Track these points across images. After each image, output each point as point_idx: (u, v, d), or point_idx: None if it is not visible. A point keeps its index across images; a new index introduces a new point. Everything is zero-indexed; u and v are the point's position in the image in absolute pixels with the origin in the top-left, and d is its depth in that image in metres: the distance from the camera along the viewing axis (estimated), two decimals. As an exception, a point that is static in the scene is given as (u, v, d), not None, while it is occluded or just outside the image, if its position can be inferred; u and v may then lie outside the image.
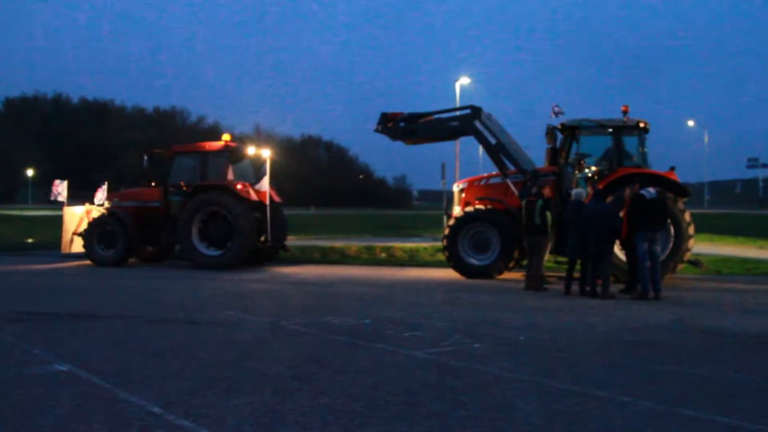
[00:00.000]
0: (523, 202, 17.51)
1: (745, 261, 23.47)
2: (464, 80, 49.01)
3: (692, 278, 19.53)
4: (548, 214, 16.89)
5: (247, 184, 22.35)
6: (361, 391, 7.52)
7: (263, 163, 22.81)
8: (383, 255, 25.77)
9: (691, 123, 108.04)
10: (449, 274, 19.68)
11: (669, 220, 17.15)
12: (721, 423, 6.58)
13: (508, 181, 19.92)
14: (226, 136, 22.99)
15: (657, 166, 19.11)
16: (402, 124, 21.64)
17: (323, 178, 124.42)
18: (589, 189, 17.42)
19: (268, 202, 22.27)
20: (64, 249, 24.40)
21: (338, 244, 28.49)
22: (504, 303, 14.60)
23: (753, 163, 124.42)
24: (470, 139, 21.19)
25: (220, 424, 6.40)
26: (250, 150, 23.28)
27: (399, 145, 22.46)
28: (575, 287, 15.87)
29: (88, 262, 23.04)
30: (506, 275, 19.35)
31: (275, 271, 21.09)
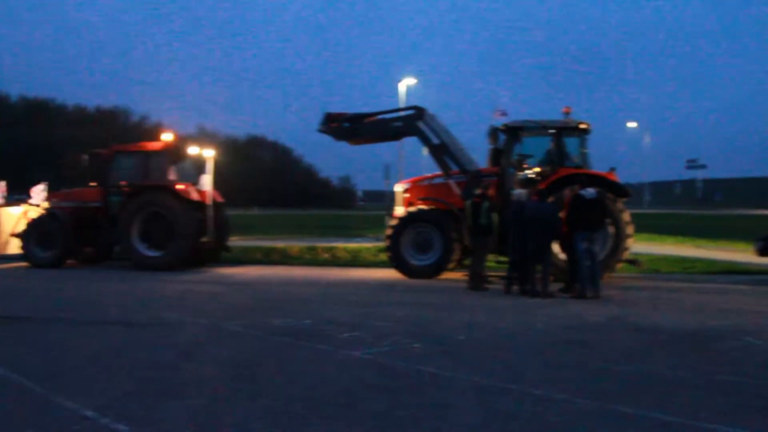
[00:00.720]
0: (468, 203, 17.59)
1: (683, 260, 23.85)
2: (410, 81, 49.20)
3: (631, 277, 19.81)
4: (493, 214, 17.01)
5: (188, 184, 22.14)
6: (300, 391, 7.50)
7: (205, 162, 22.62)
8: (326, 255, 25.71)
9: (632, 124, 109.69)
10: (391, 274, 19.71)
11: (608, 220, 17.37)
12: (655, 419, 6.70)
13: (451, 182, 20.00)
14: (167, 136, 22.73)
15: (599, 166, 19.35)
16: (346, 124, 21.60)
17: (267, 179, 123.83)
18: (531, 189, 17.58)
19: (210, 202, 22.09)
20: (0, 250, 23.91)
21: (281, 244, 28.35)
22: (445, 303, 14.66)
23: (692, 164, 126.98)
24: (416, 140, 21.25)
25: (155, 427, 6.34)
26: (192, 150, 23.06)
27: (345, 145, 22.45)
28: (516, 287, 16.00)
29: (25, 263, 22.62)
30: (448, 275, 19.44)
31: (216, 272, 20.92)
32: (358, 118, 21.68)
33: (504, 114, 19.76)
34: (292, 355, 9.46)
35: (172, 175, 22.27)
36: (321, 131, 21.72)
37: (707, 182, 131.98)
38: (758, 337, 10.92)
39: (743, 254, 23.86)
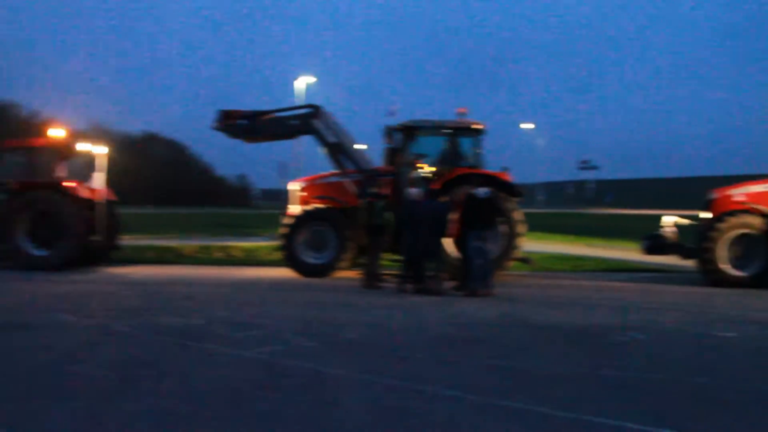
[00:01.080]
0: (364, 202, 17.64)
1: (574, 258, 24.45)
2: (308, 79, 49.15)
3: (522, 275, 20.18)
4: (387, 214, 17.11)
5: (78, 181, 21.57)
6: (188, 392, 7.40)
7: (96, 159, 22.07)
8: (220, 254, 25.41)
9: (528, 126, 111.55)
10: (286, 273, 19.59)
11: (500, 219, 17.64)
12: (538, 412, 6.84)
13: (347, 180, 20.01)
14: (56, 132, 22.09)
15: (495, 167, 19.60)
16: (241, 121, 21.39)
17: (162, 176, 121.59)
18: (424, 189, 17.75)
19: (101, 200, 21.57)
20: None
21: (175, 243, 27.89)
22: (339, 301, 14.65)
23: (584, 165, 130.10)
24: (313, 138, 21.16)
25: (37, 431, 6.16)
26: (82, 146, 22.46)
27: (243, 143, 22.25)
28: (409, 285, 16.10)
29: None
30: (343, 274, 19.44)
31: (107, 272, 20.43)
32: (254, 116, 21.49)
33: (395, 112, 19.85)
34: (181, 355, 9.31)
35: (61, 173, 21.65)
36: (216, 129, 21.44)
37: (599, 183, 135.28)
38: (643, 333, 11.26)
39: (632, 253, 24.56)
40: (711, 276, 18.11)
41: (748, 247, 17.96)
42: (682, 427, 6.52)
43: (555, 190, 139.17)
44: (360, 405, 7.01)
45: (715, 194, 19.13)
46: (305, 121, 21.01)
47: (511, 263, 19.15)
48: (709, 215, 18.74)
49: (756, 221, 17.92)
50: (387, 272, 17.70)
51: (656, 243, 19.60)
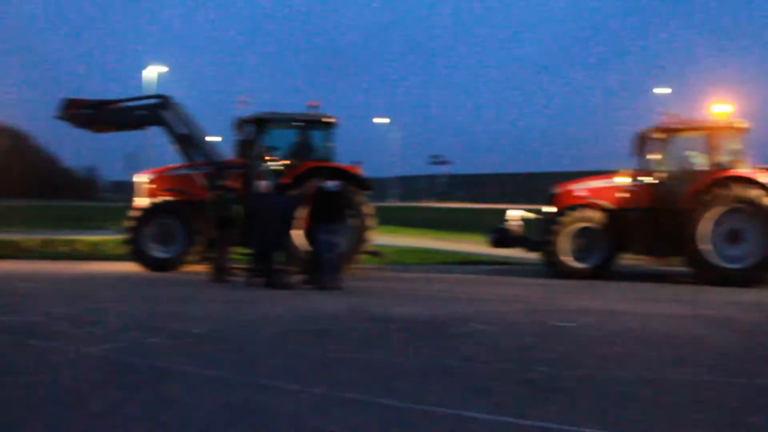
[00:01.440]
0: (213, 195, 17.43)
1: (423, 251, 24.88)
2: (159, 69, 48.11)
3: (372, 268, 20.36)
4: (237, 207, 16.96)
5: None
6: (23, 392, 7.12)
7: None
8: (65, 249, 24.53)
9: (382, 120, 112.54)
10: (133, 267, 19.14)
11: (350, 213, 17.76)
12: (382, 404, 6.93)
13: (196, 173, 19.71)
14: None
15: (348, 160, 19.70)
16: (87, 111, 20.76)
17: (3, 167, 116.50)
18: (273, 182, 17.70)
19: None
20: None
21: (16, 237, 26.78)
22: (186, 296, 14.43)
23: (436, 159, 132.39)
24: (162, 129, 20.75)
25: None
26: None
27: (89, 134, 21.63)
28: (258, 279, 16.02)
29: None
30: (191, 268, 19.14)
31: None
32: (99, 105, 20.92)
33: (246, 103, 19.69)
34: (20, 353, 8.96)
35: None
36: (59, 118, 20.73)
37: (452, 177, 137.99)
38: (485, 324, 11.53)
39: (479, 246, 25.15)
40: (554, 268, 18.76)
41: (588, 240, 18.69)
42: (520, 414, 6.73)
43: (408, 185, 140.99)
44: (203, 401, 6.93)
45: (558, 189, 19.81)
46: (153, 112, 20.60)
47: (361, 256, 19.31)
48: (552, 209, 19.40)
49: (596, 215, 18.67)
50: (236, 266, 17.55)
51: (502, 236, 20.14)
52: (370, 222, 18.91)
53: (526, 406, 7.02)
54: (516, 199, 60.62)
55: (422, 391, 7.43)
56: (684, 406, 7.22)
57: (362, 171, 19.27)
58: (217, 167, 19.18)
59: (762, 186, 17.55)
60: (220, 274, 16.68)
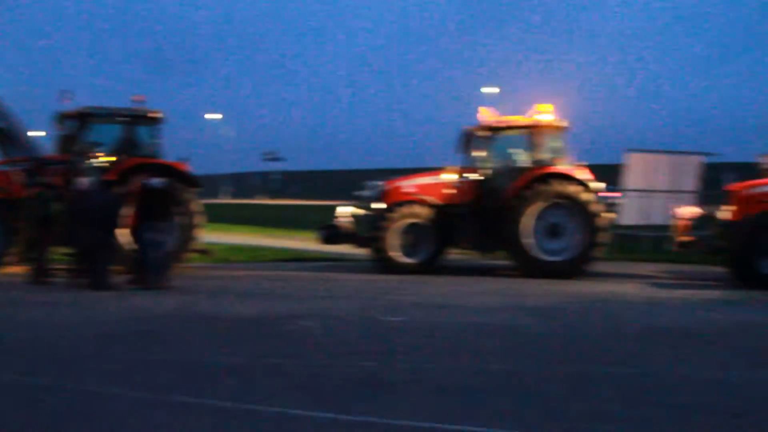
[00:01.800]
0: (31, 193, 16.67)
1: (254, 249, 24.66)
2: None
3: (201, 267, 19.95)
4: (58, 204, 16.27)
5: None
6: None
7: None
8: None
9: (214, 116, 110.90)
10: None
11: (177, 210, 17.40)
12: (205, 405, 6.86)
13: (14, 169, 18.77)
14: None
15: (177, 157, 19.20)
16: None
17: None
18: (96, 178, 17.10)
19: None
20: None
21: None
22: (4, 300, 13.73)
23: (269, 156, 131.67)
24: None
25: None
26: None
27: None
28: (81, 279, 15.45)
29: None
30: (10, 269, 18.24)
31: None
32: None
33: (67, 97, 18.95)
34: None
35: None
36: None
37: (286, 174, 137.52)
38: (314, 320, 11.55)
39: (310, 242, 25.14)
40: (383, 264, 18.96)
41: (416, 235, 18.99)
42: (343, 410, 6.78)
43: (241, 181, 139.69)
44: (18, 408, 6.63)
45: (387, 186, 20.06)
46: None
47: (190, 255, 18.92)
48: (381, 206, 19.60)
49: (423, 211, 19.00)
50: (57, 266, 16.86)
51: (333, 232, 20.20)
52: (198, 219, 18.54)
53: (351, 402, 7.09)
54: (346, 196, 60.94)
55: (247, 390, 7.40)
56: (505, 395, 7.47)
57: (190, 167, 18.88)
58: (36, 163, 18.34)
59: (580, 182, 18.34)
60: (40, 275, 15.96)
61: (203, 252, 19.34)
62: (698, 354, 9.86)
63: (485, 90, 57.61)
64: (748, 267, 16.53)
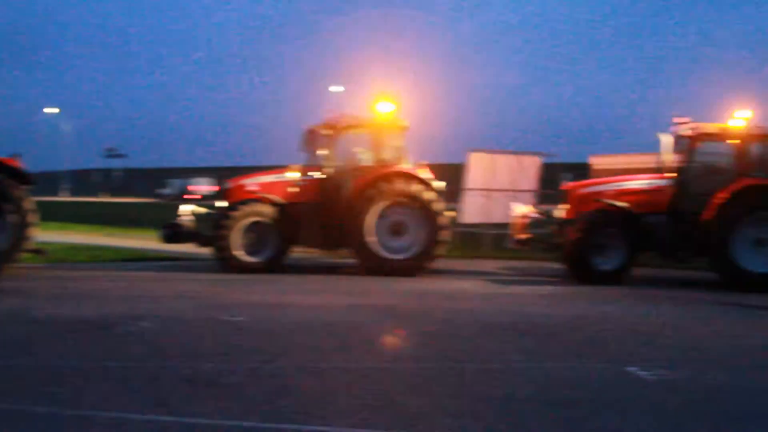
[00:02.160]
0: None
1: (92, 248, 23.91)
2: None
3: (35, 267, 19.20)
4: None
5: None
6: None
7: None
8: None
9: (52, 110, 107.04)
10: None
11: (9, 208, 16.72)
12: (36, 413, 6.65)
13: None
14: None
15: (10, 152, 18.39)
16: None
17: None
18: None
19: None
20: None
21: None
22: None
23: (111, 152, 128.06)
24: None
25: None
26: None
27: None
28: None
29: None
30: None
31: None
32: None
33: None
34: None
35: None
36: None
37: (128, 171, 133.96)
38: (151, 321, 11.32)
39: (151, 242, 24.60)
40: (226, 263, 18.76)
41: (260, 234, 18.87)
42: (178, 412, 6.72)
43: (82, 178, 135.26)
44: None
45: (230, 184, 19.88)
46: None
47: (23, 255, 18.18)
48: (224, 204, 19.41)
49: (267, 209, 18.90)
50: None
51: (174, 231, 19.81)
52: (31, 218, 17.82)
53: (187, 404, 7.03)
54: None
55: (81, 396, 7.22)
56: (344, 393, 7.56)
57: (22, 164, 18.13)
58: None
59: (422, 181, 18.69)
60: None
61: (37, 252, 18.57)
62: (523, 347, 10.23)
63: (332, 89, 57.98)
64: (583, 263, 17.34)
